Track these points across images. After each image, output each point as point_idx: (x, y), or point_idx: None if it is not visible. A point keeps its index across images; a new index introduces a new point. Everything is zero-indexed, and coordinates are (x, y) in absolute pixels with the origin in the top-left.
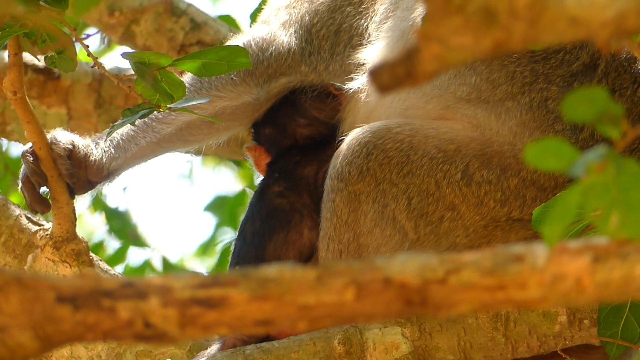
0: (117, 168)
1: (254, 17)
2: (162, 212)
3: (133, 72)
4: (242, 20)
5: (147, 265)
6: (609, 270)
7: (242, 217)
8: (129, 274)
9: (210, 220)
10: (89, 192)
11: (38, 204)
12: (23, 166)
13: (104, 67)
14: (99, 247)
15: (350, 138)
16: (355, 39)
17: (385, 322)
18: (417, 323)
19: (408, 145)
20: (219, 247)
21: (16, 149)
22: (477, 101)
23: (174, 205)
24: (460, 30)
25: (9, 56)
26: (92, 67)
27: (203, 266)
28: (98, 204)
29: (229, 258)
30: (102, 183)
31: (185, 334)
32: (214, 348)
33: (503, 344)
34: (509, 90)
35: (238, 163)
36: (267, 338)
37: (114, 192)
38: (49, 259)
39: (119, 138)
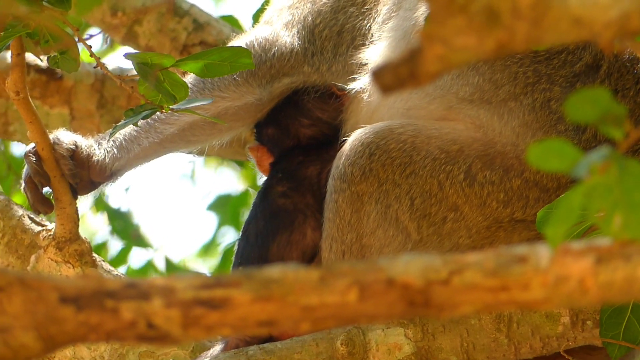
0: (120, 168)
1: (256, 17)
2: (165, 212)
3: (136, 73)
4: (245, 20)
5: (149, 266)
6: (612, 271)
7: (245, 217)
8: (131, 276)
9: (213, 220)
10: (92, 192)
11: (41, 205)
12: (26, 166)
13: (106, 67)
14: (101, 247)
15: (353, 139)
16: (358, 39)
17: (388, 323)
18: (420, 324)
19: (411, 146)
20: (221, 248)
21: (19, 149)
22: (479, 102)
23: (176, 206)
24: (464, 30)
25: (11, 56)
26: (94, 67)
27: (205, 267)
28: (101, 204)
29: (232, 258)
30: (104, 183)
31: (188, 334)
32: (216, 349)
33: (506, 345)
34: (511, 91)
35: (240, 163)
36: (270, 339)
37: (116, 193)
38: (51, 260)
39: (121, 138)
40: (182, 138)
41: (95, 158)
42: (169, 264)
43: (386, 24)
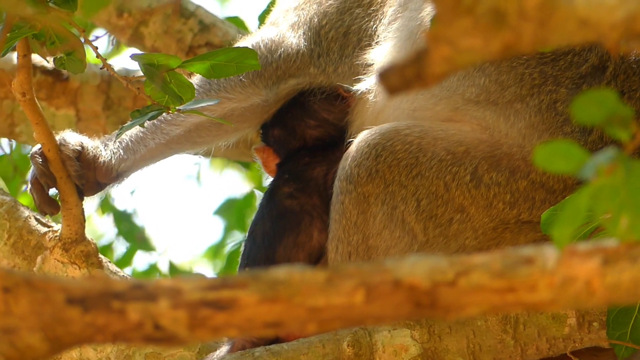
0: (126, 169)
1: (262, 18)
2: (170, 214)
3: (142, 74)
4: (251, 21)
5: (154, 269)
6: (618, 272)
7: (251, 218)
8: (136, 278)
9: (219, 222)
10: (98, 193)
11: (47, 206)
12: (32, 168)
13: (112, 68)
14: (107, 249)
15: (359, 140)
16: (364, 41)
17: (395, 324)
18: (427, 325)
19: (417, 147)
20: (226, 250)
21: (25, 150)
22: (485, 103)
23: (182, 208)
24: (470, 31)
25: (18, 57)
26: (100, 68)
27: (211, 269)
28: (106, 206)
29: (239, 259)
30: (111, 184)
31: (194, 336)
32: (223, 350)
33: (512, 346)
34: (517, 92)
35: (246, 165)
36: (276, 340)
37: (122, 195)
38: (58, 261)
39: (127, 140)
40: (189, 139)
41: (101, 159)
42: (172, 268)
43: (392, 25)
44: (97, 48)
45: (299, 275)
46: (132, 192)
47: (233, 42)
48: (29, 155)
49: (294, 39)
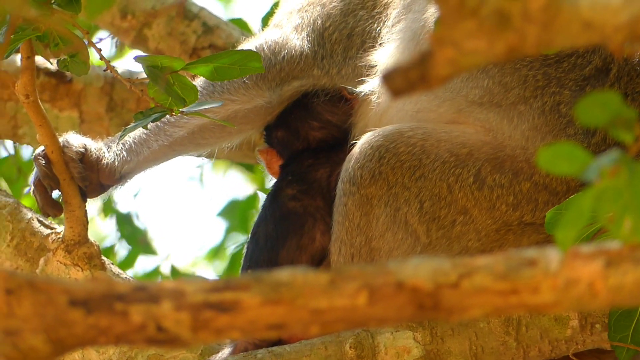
0: (129, 171)
1: (265, 20)
2: (173, 216)
3: (145, 76)
4: (254, 23)
5: (156, 273)
6: (621, 274)
7: (254, 220)
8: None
9: (221, 224)
10: (101, 195)
11: (50, 207)
12: (35, 169)
13: (116, 70)
14: (109, 251)
15: (363, 142)
16: (368, 42)
17: (397, 326)
18: (429, 327)
19: (420, 149)
20: (229, 252)
21: (28, 152)
22: (489, 105)
23: (184, 210)
24: (474, 33)
25: (21, 59)
26: (104, 70)
27: (213, 271)
28: (109, 209)
29: (241, 261)
30: (114, 186)
31: (197, 337)
32: (225, 352)
33: (515, 348)
34: (521, 94)
35: (249, 167)
36: (279, 342)
37: (124, 197)
38: (60, 263)
39: (131, 141)
40: (192, 141)
41: (104, 161)
42: (174, 272)
43: (395, 27)
44: (100, 50)
45: (302, 277)
46: (135, 195)
47: (236, 44)
48: (32, 157)
49: (298, 41)
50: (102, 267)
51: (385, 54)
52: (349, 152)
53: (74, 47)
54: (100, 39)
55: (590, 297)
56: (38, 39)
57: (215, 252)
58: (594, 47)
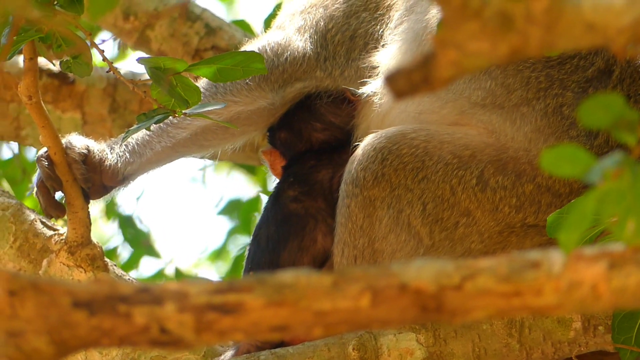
0: (132, 173)
1: (268, 22)
2: (176, 218)
3: (148, 77)
4: (257, 25)
5: (159, 275)
6: (625, 277)
7: (256, 222)
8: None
9: (224, 225)
10: (104, 196)
11: (53, 209)
12: (38, 171)
13: (119, 72)
14: (112, 253)
15: (365, 143)
16: (371, 44)
17: (400, 328)
18: (432, 329)
19: (423, 151)
20: (231, 252)
21: (31, 153)
22: (492, 106)
23: (187, 212)
24: (477, 35)
25: (24, 61)
26: (107, 72)
27: (216, 272)
28: (112, 211)
29: (243, 263)
30: (117, 188)
31: (200, 339)
32: (228, 354)
33: (517, 350)
34: (524, 96)
35: (251, 169)
36: (282, 344)
37: (128, 200)
38: (63, 264)
39: (134, 143)
40: (195, 142)
41: (107, 162)
42: (178, 273)
43: (398, 28)
44: (103, 51)
45: (305, 279)
46: (137, 198)
47: (239, 46)
48: (35, 158)
49: (301, 43)
50: (105, 268)
51: (388, 55)
52: (351, 154)
53: (76, 49)
54: (103, 41)
55: (593, 299)
56: (41, 40)
57: (218, 254)
58: (597, 49)
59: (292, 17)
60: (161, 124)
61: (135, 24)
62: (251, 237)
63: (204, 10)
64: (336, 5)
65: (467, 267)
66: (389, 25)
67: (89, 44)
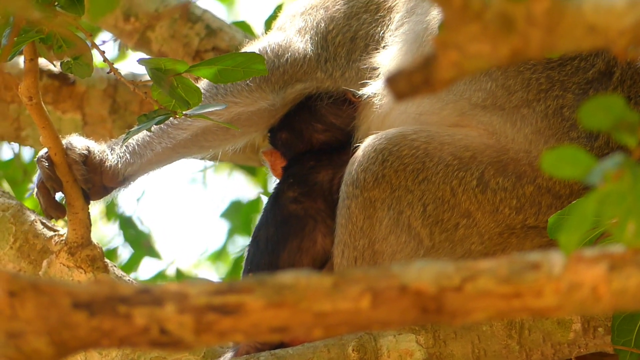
0: (133, 174)
1: (268, 24)
2: (176, 219)
3: (148, 78)
4: (257, 26)
5: (161, 276)
6: (625, 278)
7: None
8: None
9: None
10: (104, 197)
11: (53, 210)
12: (38, 172)
13: (120, 72)
14: (112, 254)
15: (366, 145)
16: (372, 46)
17: (400, 329)
18: (432, 330)
19: (423, 152)
20: (231, 253)
21: (29, 154)
22: (492, 108)
23: (188, 213)
24: (478, 37)
25: (24, 62)
26: (107, 72)
27: (216, 273)
28: (113, 212)
29: (242, 264)
30: (117, 189)
31: (200, 340)
32: (227, 356)
33: (517, 351)
34: (524, 97)
35: (252, 170)
36: (281, 345)
37: (128, 201)
38: (63, 265)
39: (134, 144)
40: (195, 143)
41: (108, 163)
42: (179, 274)
43: (399, 30)
44: (104, 52)
45: (305, 280)
46: (138, 199)
47: (240, 47)
48: (35, 159)
49: (301, 44)
50: (105, 269)
51: (389, 56)
52: (352, 155)
53: (77, 50)
54: (104, 42)
55: (593, 301)
56: (41, 41)
57: (218, 255)
58: (598, 50)
59: (292, 19)
60: (162, 125)
61: (136, 25)
62: (250, 238)
63: (205, 11)
64: (337, 7)
65: (467, 269)
66: (389, 26)
67: (89, 45)
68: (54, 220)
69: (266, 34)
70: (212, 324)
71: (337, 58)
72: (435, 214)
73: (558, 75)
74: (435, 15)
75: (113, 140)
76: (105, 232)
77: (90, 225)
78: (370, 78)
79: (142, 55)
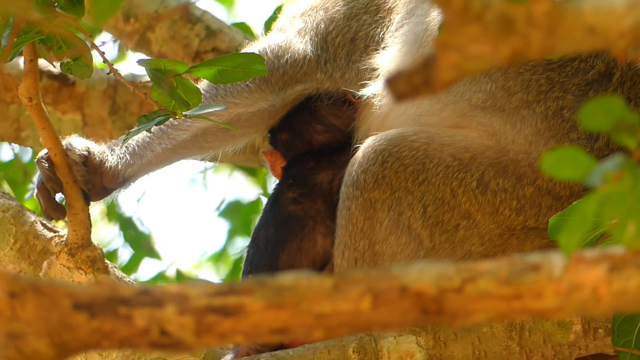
0: (133, 175)
1: (268, 24)
2: (176, 220)
3: (148, 79)
4: (257, 27)
5: (160, 277)
6: (625, 279)
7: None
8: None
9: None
10: (105, 198)
11: (53, 211)
12: (38, 172)
13: (119, 73)
14: (112, 255)
15: (366, 146)
16: (371, 47)
17: (400, 330)
18: (432, 332)
19: (424, 153)
20: (231, 253)
21: (28, 154)
22: (492, 109)
23: (188, 213)
24: (478, 38)
25: (24, 62)
26: (107, 73)
27: (216, 274)
28: (113, 213)
29: (242, 266)
30: (117, 189)
31: (201, 342)
32: (227, 357)
33: (518, 353)
34: (524, 99)
35: (252, 171)
36: (281, 346)
37: (129, 202)
38: (64, 266)
39: (134, 144)
40: (195, 144)
41: (108, 164)
42: (179, 275)
43: (399, 31)
44: (104, 53)
45: (306, 282)
46: (138, 200)
47: (240, 48)
48: (35, 160)
49: (301, 45)
50: (106, 270)
51: (388, 57)
52: (352, 156)
53: (77, 50)
54: (103, 42)
55: (593, 302)
56: (41, 41)
57: (218, 256)
58: (597, 52)
59: (292, 20)
60: (161, 126)
61: (136, 26)
62: (250, 239)
63: (205, 12)
64: (337, 8)
65: (467, 270)
66: (389, 27)
67: (89, 45)
68: (54, 221)
69: (266, 35)
70: (213, 326)
71: (337, 59)
72: (435, 215)
73: (558, 76)
74: (435, 16)
75: (113, 141)
76: (105, 233)
77: (91, 226)
78: (370, 79)
79: (142, 56)
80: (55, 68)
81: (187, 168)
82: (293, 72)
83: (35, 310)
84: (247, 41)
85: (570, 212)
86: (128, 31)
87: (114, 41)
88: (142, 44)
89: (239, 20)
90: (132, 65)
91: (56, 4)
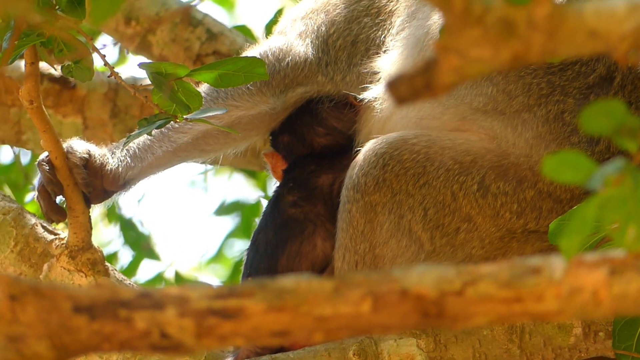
0: (133, 177)
1: (269, 27)
2: (176, 222)
3: (149, 82)
4: (258, 30)
5: (160, 278)
6: (625, 283)
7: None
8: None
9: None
10: (105, 201)
11: (54, 213)
12: (39, 175)
13: (120, 76)
14: (113, 258)
15: (367, 149)
16: (372, 50)
17: (401, 333)
18: (433, 334)
19: (424, 157)
20: (232, 258)
21: (27, 157)
22: (493, 112)
23: (188, 215)
24: (479, 41)
25: (25, 65)
26: (108, 76)
27: (216, 277)
28: (113, 215)
29: (242, 268)
30: (118, 192)
31: (201, 344)
32: None
33: (518, 355)
34: (525, 102)
35: (252, 174)
36: (281, 349)
37: (129, 204)
38: (64, 268)
39: (135, 147)
40: (196, 147)
41: (108, 167)
42: (178, 277)
43: (400, 34)
44: (104, 56)
45: (306, 284)
46: (139, 201)
47: (241, 51)
48: (36, 163)
49: (302, 48)
50: (106, 273)
51: (389, 61)
52: (352, 159)
53: (78, 53)
54: (104, 45)
55: (594, 306)
56: (42, 44)
57: (218, 258)
58: (598, 55)
59: (293, 23)
60: (162, 129)
61: (137, 28)
62: (250, 242)
63: (206, 15)
64: (337, 11)
65: (468, 273)
66: (390, 31)
67: (90, 48)
68: (54, 223)
69: (267, 38)
70: (213, 328)
71: (338, 62)
72: (436, 218)
73: (559, 80)
74: (436, 19)
75: (114, 144)
76: (105, 235)
77: (91, 228)
78: (371, 82)
79: (143, 59)
80: (56, 71)
81: (188, 170)
82: (294, 74)
83: (35, 312)
84: (248, 44)
85: (570, 216)
86: (129, 34)
87: (115, 44)
88: (143, 47)
89: (240, 23)
90: (133, 68)
91: (57, 7)
